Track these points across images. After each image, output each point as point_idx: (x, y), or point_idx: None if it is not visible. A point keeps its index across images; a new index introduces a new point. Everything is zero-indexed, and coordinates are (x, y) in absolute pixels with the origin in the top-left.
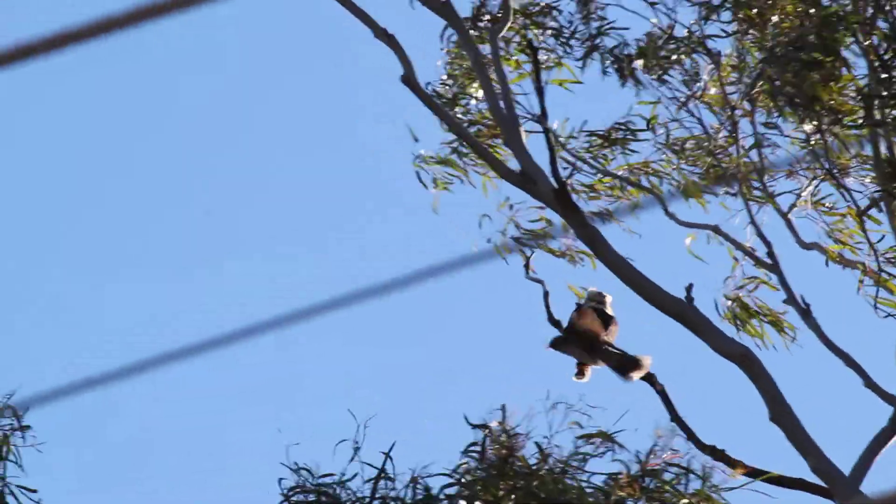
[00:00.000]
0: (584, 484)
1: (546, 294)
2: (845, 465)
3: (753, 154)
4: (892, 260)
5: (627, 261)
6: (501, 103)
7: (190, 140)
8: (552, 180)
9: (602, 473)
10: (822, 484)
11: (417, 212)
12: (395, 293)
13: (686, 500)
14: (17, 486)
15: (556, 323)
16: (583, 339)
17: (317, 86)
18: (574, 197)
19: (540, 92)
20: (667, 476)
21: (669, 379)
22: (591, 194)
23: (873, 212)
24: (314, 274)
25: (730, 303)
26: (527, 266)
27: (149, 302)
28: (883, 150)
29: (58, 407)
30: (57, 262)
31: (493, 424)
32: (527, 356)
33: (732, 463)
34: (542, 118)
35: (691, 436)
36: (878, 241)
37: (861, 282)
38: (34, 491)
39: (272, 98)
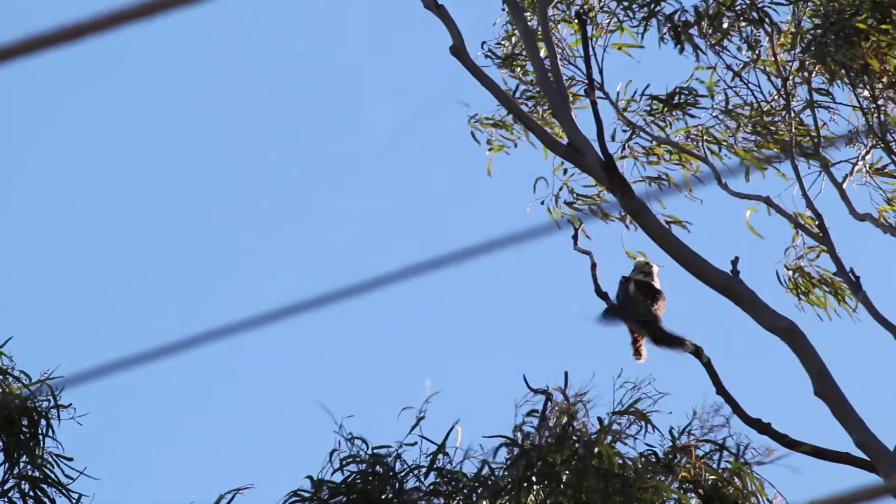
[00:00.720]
0: (637, 461)
1: (594, 266)
2: (891, 440)
3: (810, 125)
4: None
5: (673, 234)
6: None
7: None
8: (600, 153)
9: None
10: (866, 458)
11: (470, 176)
12: (452, 267)
13: (714, 476)
14: (56, 456)
15: (603, 295)
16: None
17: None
18: (632, 162)
19: (588, 64)
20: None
21: (715, 352)
22: (651, 158)
23: None
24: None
25: (791, 273)
26: (575, 237)
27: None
28: None
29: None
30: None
31: (554, 391)
32: (573, 329)
33: (777, 436)
34: (589, 91)
35: (737, 409)
36: None
37: None
38: (70, 459)
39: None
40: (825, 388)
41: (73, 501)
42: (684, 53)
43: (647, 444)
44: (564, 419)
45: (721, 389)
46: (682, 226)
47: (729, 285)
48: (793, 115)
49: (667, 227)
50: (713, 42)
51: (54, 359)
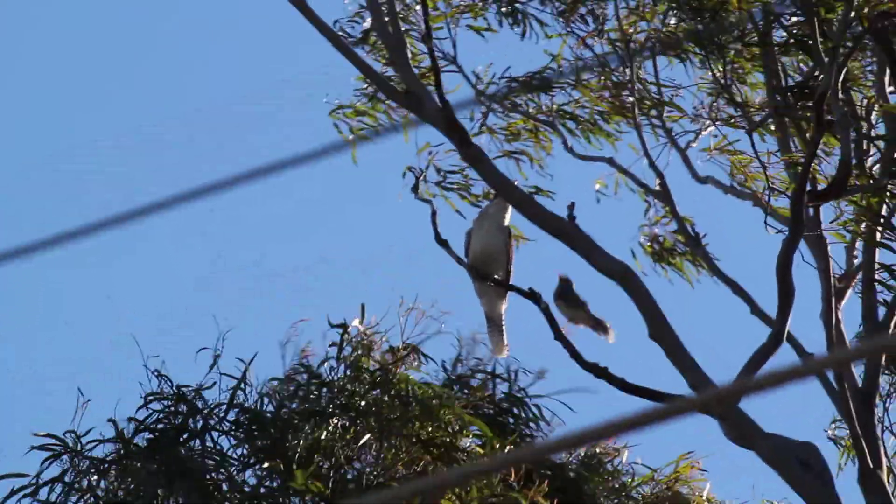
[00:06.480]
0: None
1: (434, 213)
2: (723, 382)
3: (656, 95)
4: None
5: (511, 180)
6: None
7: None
8: (437, 99)
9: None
10: None
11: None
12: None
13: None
14: None
15: (443, 242)
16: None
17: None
18: (488, 137)
19: (425, 11)
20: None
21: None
22: (510, 136)
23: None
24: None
25: (647, 241)
26: (416, 188)
27: None
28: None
29: None
30: None
31: (353, 325)
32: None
33: (614, 380)
34: (427, 38)
35: (574, 353)
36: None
37: (765, 192)
38: None
39: None
40: (660, 331)
41: None
42: (526, 37)
43: (425, 374)
44: (360, 351)
45: (559, 334)
46: (546, 195)
47: (565, 230)
48: (636, 82)
49: (504, 174)
50: (559, 14)
51: None
